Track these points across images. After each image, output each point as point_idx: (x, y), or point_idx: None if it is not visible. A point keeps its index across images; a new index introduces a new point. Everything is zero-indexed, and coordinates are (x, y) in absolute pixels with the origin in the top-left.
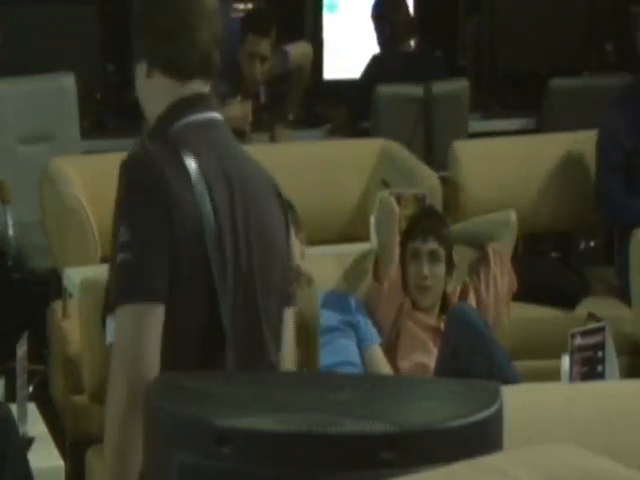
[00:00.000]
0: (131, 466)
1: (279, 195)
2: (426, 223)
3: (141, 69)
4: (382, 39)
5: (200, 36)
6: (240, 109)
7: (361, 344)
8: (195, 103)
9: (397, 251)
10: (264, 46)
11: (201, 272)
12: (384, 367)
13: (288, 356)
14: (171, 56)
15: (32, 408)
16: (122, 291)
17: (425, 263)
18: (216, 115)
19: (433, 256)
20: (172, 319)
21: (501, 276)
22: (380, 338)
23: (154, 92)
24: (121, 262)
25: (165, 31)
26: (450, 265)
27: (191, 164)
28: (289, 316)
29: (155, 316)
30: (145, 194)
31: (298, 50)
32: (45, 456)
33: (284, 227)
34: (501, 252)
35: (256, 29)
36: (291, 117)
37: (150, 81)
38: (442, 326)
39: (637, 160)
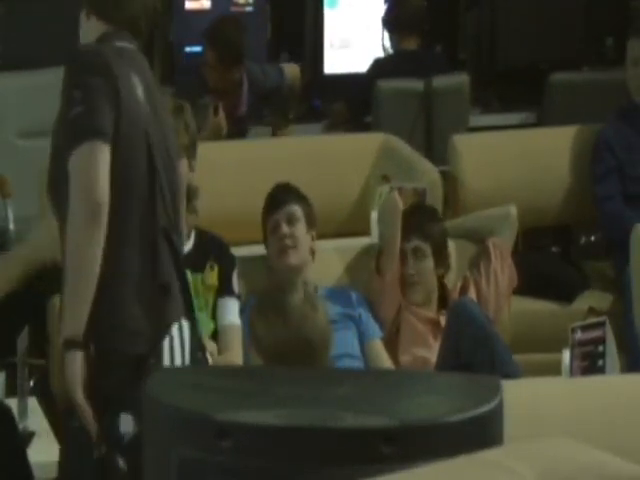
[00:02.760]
0: (88, 275)
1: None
2: (409, 221)
3: (83, 15)
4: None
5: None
6: (213, 128)
7: (362, 337)
8: (121, 36)
9: (398, 244)
10: (209, 56)
11: (139, 132)
12: (386, 362)
13: None
14: (106, 5)
15: (33, 403)
16: (77, 134)
17: (410, 261)
18: (136, 49)
19: (417, 253)
20: (117, 164)
21: (501, 270)
22: (381, 332)
23: (90, 31)
24: (75, 114)
25: None
26: (440, 258)
27: (123, 61)
28: None
29: (104, 153)
30: (94, 66)
31: (290, 69)
32: (45, 450)
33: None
34: (501, 246)
35: (204, 36)
36: (291, 116)
37: (87, 23)
38: (442, 320)
39: (626, 171)
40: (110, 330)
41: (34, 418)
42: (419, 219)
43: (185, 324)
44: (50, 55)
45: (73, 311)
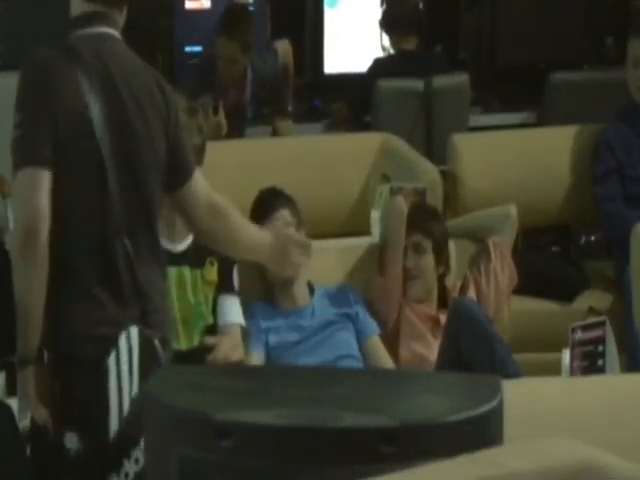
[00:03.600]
0: (30, 296)
1: (161, 87)
2: (411, 218)
3: None
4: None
5: None
6: (213, 127)
7: (360, 335)
8: (91, 18)
9: (402, 248)
10: (232, 49)
11: (89, 151)
12: (384, 358)
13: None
14: None
15: None
16: (17, 159)
17: (410, 256)
18: (106, 30)
19: (417, 248)
20: (61, 187)
21: (501, 270)
22: (379, 329)
23: (74, 10)
24: (15, 138)
25: None
26: (441, 257)
27: (78, 69)
28: (196, 183)
29: (44, 178)
30: (33, 87)
31: (282, 48)
32: None
33: (164, 116)
34: (501, 246)
35: (222, 31)
36: (290, 108)
37: (72, 2)
38: (442, 318)
39: (626, 172)
40: (62, 335)
41: None
42: (421, 217)
43: (134, 331)
44: None
45: (23, 330)
